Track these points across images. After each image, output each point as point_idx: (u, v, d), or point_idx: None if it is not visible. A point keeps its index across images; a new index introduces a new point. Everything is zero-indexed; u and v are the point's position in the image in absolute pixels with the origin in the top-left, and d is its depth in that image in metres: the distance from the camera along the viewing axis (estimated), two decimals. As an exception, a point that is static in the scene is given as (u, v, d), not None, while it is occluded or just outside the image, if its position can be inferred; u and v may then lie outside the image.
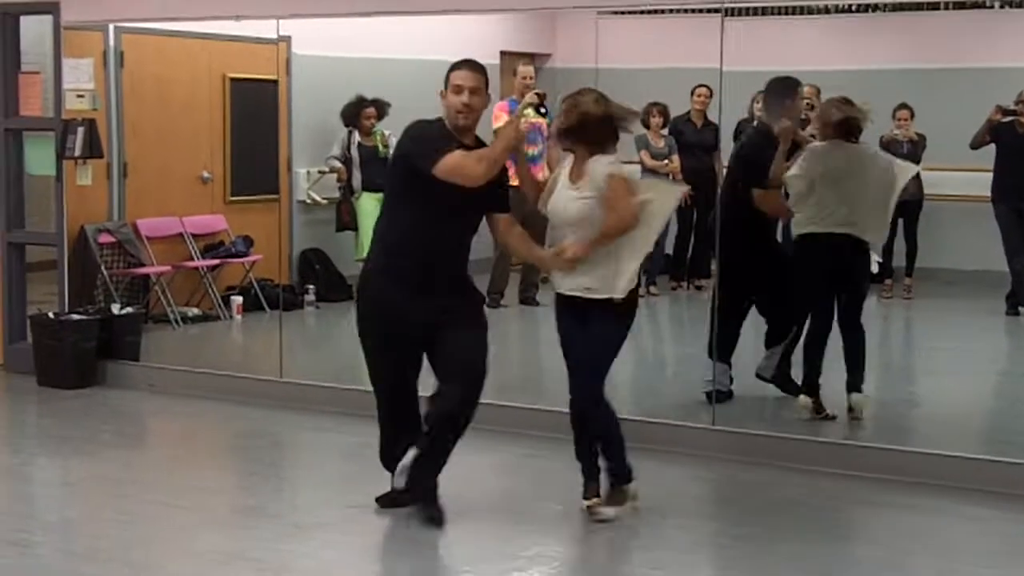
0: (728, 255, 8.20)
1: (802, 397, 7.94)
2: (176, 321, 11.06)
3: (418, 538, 6.12)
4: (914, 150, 12.10)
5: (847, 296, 7.96)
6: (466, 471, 6.49)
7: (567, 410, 6.26)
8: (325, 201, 12.31)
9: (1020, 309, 11.27)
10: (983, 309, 11.63)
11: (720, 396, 7.95)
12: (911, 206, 12.05)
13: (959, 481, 6.78)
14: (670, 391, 9.05)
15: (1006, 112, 11.14)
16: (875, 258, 12.50)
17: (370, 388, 6.34)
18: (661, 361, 10.43)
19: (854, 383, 7.87)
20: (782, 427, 7.66)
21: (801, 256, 7.99)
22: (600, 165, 6.08)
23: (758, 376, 8.28)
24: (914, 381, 9.77)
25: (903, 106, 12.15)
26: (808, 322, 8.00)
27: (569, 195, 6.11)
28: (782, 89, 8.20)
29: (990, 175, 11.41)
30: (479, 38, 13.38)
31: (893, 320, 12.43)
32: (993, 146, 11.34)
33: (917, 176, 12.05)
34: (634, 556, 6.00)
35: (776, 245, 8.63)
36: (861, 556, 5.93)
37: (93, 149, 9.55)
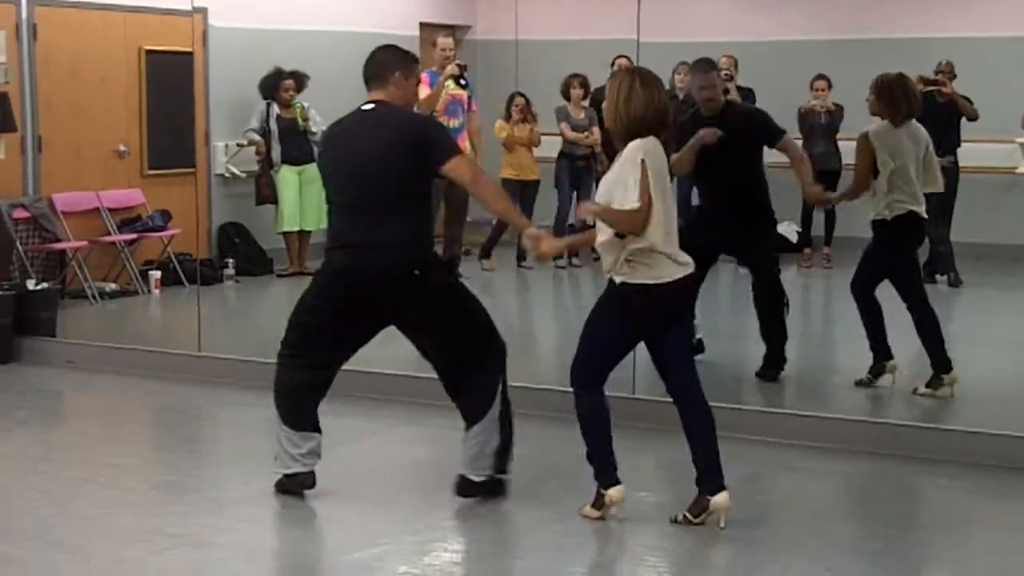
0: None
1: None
2: (93, 296, 10.96)
3: (338, 512, 6.11)
4: (832, 120, 12.22)
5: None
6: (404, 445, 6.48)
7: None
8: (244, 175, 12.23)
9: (937, 278, 11.40)
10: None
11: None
12: (830, 176, 12.15)
13: (882, 447, 6.92)
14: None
15: (928, 82, 11.25)
16: (794, 228, 12.69)
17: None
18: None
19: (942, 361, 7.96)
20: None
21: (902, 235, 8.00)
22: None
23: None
24: (835, 349, 9.86)
25: (821, 76, 12.27)
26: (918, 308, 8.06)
27: None
28: (699, 68, 8.23)
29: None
30: (398, 10, 13.36)
31: (813, 290, 12.53)
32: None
33: (836, 146, 12.22)
34: (549, 527, 6.01)
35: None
36: (782, 521, 5.98)
37: (6, 123, 9.45)
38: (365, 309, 5.97)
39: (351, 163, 5.96)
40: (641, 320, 5.76)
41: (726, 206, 8.14)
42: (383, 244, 5.86)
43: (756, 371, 8.30)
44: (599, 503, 5.88)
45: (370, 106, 6.02)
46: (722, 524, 5.72)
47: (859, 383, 8.09)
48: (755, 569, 5.44)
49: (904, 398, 7.97)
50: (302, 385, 6.12)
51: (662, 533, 5.79)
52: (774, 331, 8.26)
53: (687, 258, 5.76)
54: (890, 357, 8.10)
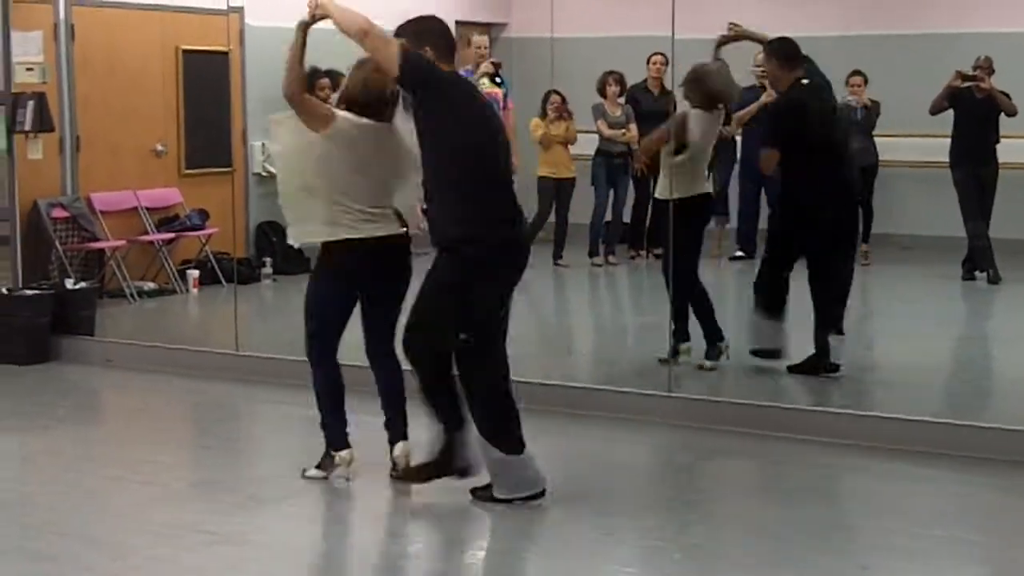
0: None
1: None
2: (132, 295, 11.01)
3: (375, 510, 6.12)
4: (868, 116, 12.16)
5: None
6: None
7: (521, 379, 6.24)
8: (281, 174, 12.25)
9: (976, 274, 11.35)
10: (939, 274, 11.71)
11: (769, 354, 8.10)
12: (867, 172, 12.10)
13: (914, 444, 6.80)
14: (630, 358, 9.05)
15: (966, 77, 11.20)
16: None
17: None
18: (622, 330, 10.44)
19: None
20: (737, 394, 7.67)
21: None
22: None
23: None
24: (871, 346, 9.80)
25: (856, 72, 12.20)
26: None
27: None
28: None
29: (945, 141, 11.47)
30: (435, 8, 13.34)
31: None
32: (950, 112, 11.40)
33: (872, 142, 12.17)
34: (589, 521, 5.99)
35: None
36: (812, 517, 5.94)
37: (44, 123, 9.48)
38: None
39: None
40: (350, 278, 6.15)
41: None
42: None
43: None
44: (327, 464, 6.29)
45: None
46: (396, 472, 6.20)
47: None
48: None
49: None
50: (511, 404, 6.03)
51: (692, 531, 5.78)
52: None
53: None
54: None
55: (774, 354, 8.16)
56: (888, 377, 8.31)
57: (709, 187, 8.52)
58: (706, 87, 8.15)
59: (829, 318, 8.07)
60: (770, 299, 8.12)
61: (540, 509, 5.96)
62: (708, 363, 8.21)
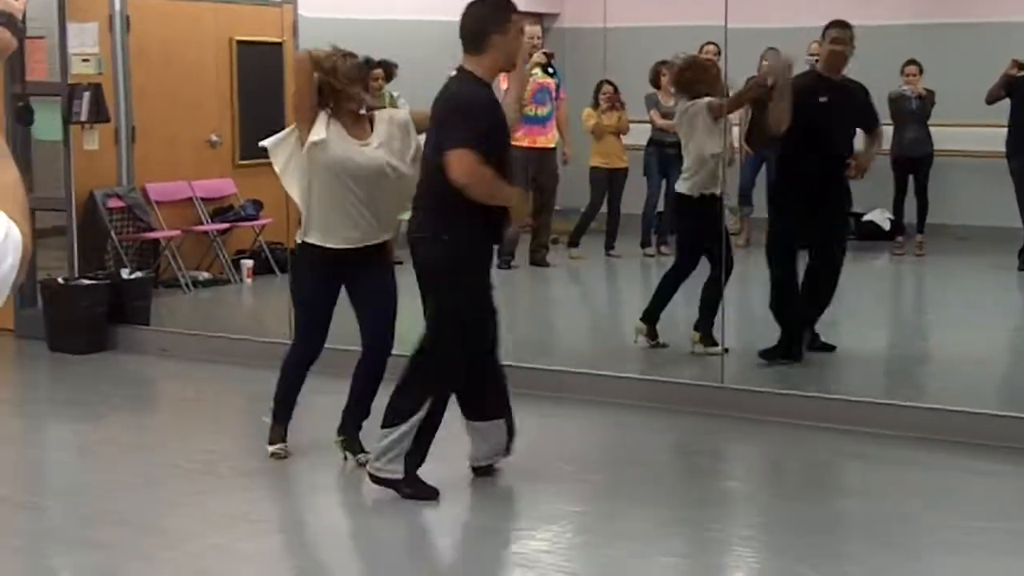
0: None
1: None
2: (186, 285, 11.07)
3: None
4: (923, 106, 12.07)
5: None
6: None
7: (576, 370, 6.24)
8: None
9: (1035, 265, 11.25)
10: (995, 265, 11.61)
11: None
12: (921, 162, 12.02)
13: (971, 437, 6.73)
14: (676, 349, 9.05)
15: (1022, 66, 11.10)
16: (887, 215, 12.58)
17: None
18: (674, 321, 10.42)
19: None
20: (789, 385, 7.63)
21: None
22: None
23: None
24: (926, 337, 9.75)
25: (912, 62, 12.11)
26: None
27: None
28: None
29: (1000, 130, 11.38)
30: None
31: (905, 276, 12.42)
32: (1007, 101, 11.31)
33: (927, 132, 12.08)
34: (638, 512, 6.00)
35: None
36: (865, 510, 5.92)
37: (100, 113, 9.54)
38: None
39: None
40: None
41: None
42: None
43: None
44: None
45: (453, 74, 5.98)
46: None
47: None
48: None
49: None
50: None
51: (746, 524, 5.77)
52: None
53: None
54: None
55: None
56: (943, 368, 8.25)
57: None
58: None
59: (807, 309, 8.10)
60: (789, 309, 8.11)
61: (599, 499, 5.96)
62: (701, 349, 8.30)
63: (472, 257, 5.86)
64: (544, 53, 11.20)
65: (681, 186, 8.49)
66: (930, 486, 6.33)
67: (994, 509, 5.98)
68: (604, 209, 12.47)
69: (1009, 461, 6.56)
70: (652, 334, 8.49)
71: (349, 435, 6.47)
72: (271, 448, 6.58)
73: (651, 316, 8.51)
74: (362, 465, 6.27)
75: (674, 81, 8.84)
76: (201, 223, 11.49)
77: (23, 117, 9.39)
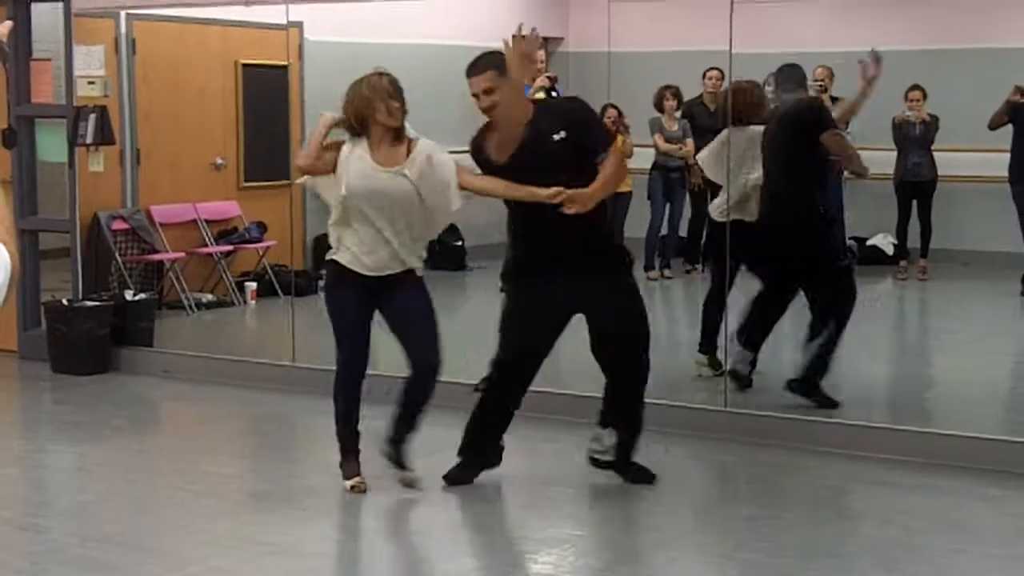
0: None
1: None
2: (190, 307, 11.08)
3: (429, 520, 6.14)
4: (926, 131, 12.10)
5: None
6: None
7: (584, 393, 6.24)
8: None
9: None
10: (999, 290, 11.61)
11: (742, 380, 7.91)
12: (925, 187, 12.04)
13: (978, 462, 6.71)
14: (683, 373, 9.03)
15: (1025, 93, 11.14)
16: (890, 240, 12.59)
17: (386, 373, 6.71)
18: (676, 344, 10.40)
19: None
20: (795, 410, 7.63)
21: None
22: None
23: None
24: (930, 362, 9.75)
25: (915, 87, 12.14)
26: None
27: None
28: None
29: (1004, 155, 11.39)
30: (492, 23, 13.37)
31: (908, 301, 12.41)
32: (1010, 126, 11.33)
33: (931, 157, 12.10)
34: (643, 536, 5.99)
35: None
36: (874, 536, 5.92)
37: (105, 136, 9.56)
38: None
39: None
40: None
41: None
42: None
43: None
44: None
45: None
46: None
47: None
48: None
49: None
50: None
51: (752, 548, 5.76)
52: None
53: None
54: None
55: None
56: (948, 393, 8.24)
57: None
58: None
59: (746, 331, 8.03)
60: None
61: (601, 524, 5.94)
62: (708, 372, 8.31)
63: None
64: (548, 77, 11.19)
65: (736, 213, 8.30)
66: (937, 512, 6.31)
67: (1001, 535, 5.98)
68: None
69: (1016, 487, 6.55)
70: (714, 364, 8.31)
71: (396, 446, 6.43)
72: (349, 482, 6.37)
73: (709, 345, 8.38)
74: (408, 485, 6.30)
75: (746, 105, 8.18)
76: (205, 245, 11.50)
77: (8, 140, 9.39)
